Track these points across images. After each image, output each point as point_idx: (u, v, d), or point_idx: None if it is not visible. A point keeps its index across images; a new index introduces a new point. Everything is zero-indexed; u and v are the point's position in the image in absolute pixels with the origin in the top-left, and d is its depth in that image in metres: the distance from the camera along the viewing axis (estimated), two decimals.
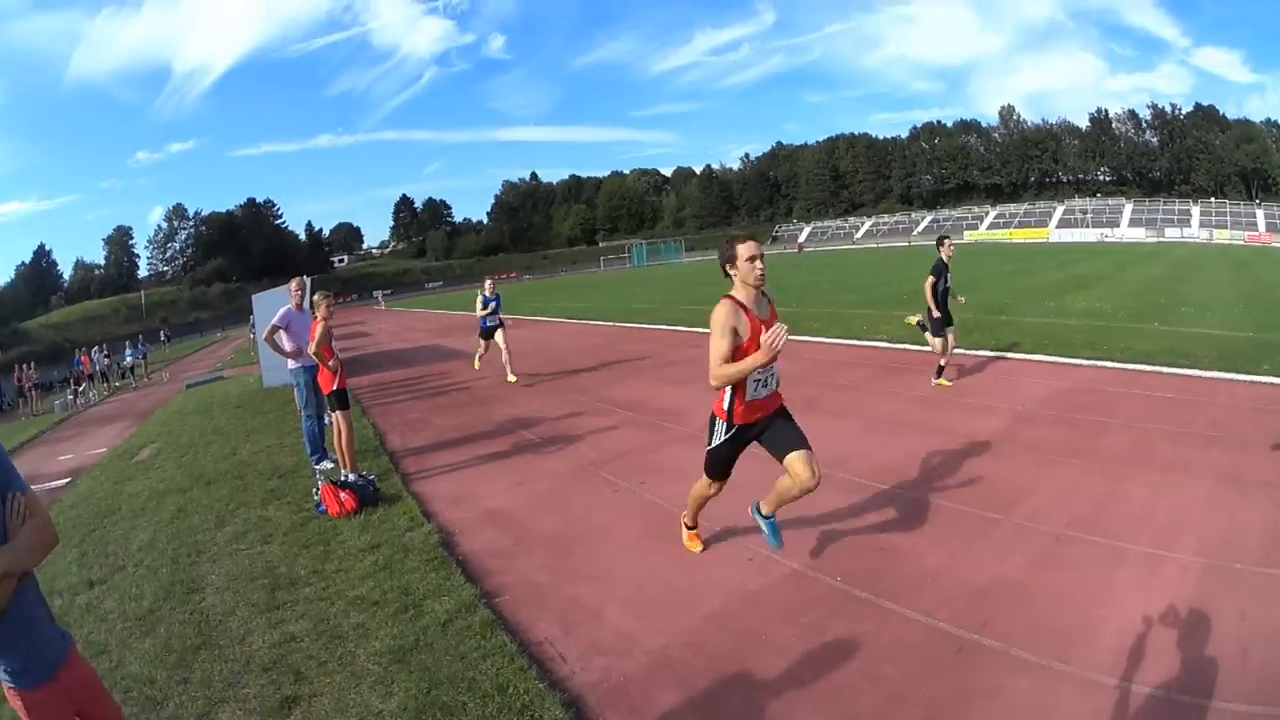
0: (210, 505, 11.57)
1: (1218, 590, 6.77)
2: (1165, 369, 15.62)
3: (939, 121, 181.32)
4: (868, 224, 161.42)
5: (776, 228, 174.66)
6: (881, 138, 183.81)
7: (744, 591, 7.28)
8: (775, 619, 6.72)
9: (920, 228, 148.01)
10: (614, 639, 6.61)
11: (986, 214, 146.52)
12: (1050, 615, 6.53)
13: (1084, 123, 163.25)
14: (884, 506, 9.26)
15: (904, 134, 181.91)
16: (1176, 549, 7.63)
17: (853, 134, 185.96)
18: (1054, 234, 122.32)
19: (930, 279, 15.25)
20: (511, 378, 20.37)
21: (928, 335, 15.70)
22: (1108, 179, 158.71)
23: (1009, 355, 18.14)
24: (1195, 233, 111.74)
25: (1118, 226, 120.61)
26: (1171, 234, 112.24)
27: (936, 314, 15.25)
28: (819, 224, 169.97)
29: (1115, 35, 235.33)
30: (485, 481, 11.59)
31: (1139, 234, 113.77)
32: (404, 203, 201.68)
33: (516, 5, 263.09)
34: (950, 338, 15.49)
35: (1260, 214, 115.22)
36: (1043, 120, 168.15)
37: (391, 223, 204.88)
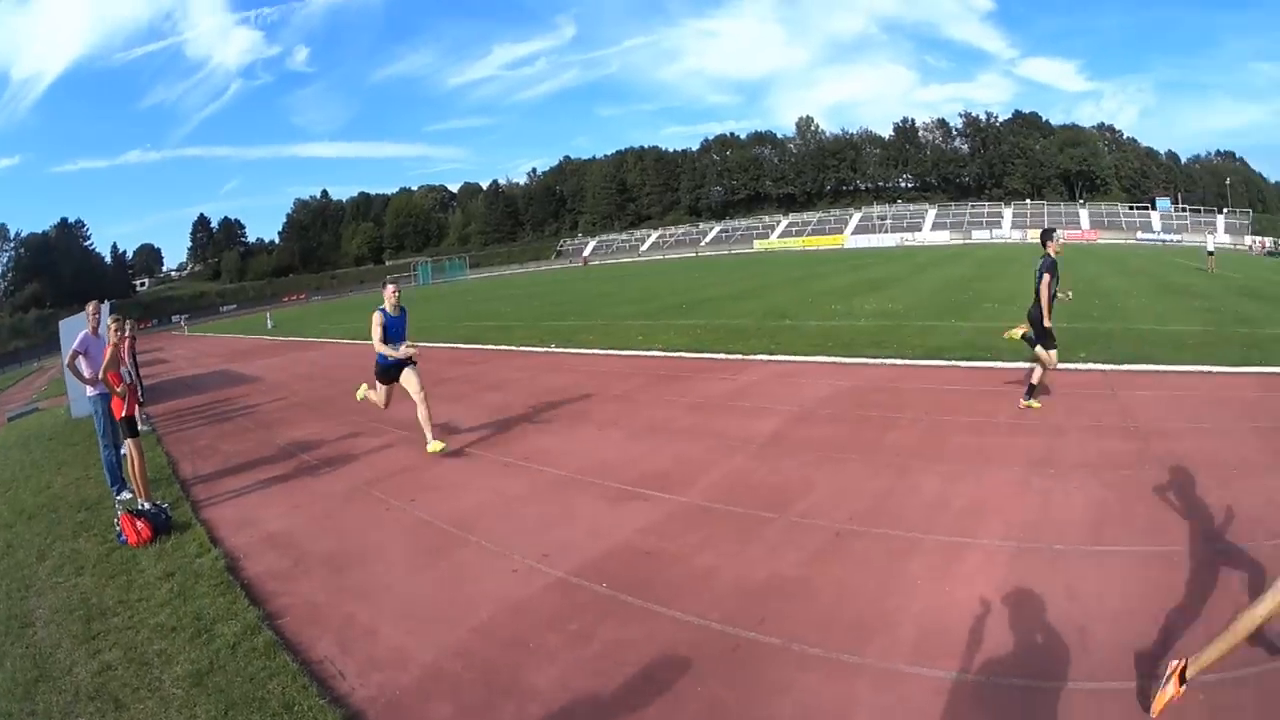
0: (32, 540, 11.40)
1: (1038, 572, 7.11)
2: (964, 363, 16.45)
3: (732, 134, 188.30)
4: (654, 236, 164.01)
5: (561, 242, 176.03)
6: (672, 150, 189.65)
7: (510, 601, 7.47)
8: (542, 627, 6.91)
9: (708, 238, 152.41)
10: (388, 654, 6.75)
11: (778, 223, 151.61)
12: (837, 610, 6.71)
13: (888, 132, 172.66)
14: (651, 513, 9.40)
15: (695, 146, 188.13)
16: (980, 535, 7.97)
17: (642, 147, 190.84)
18: (850, 240, 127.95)
19: (1046, 278, 13.15)
20: (435, 446, 12.99)
21: (1037, 349, 13.33)
22: (910, 185, 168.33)
23: (789, 359, 18.65)
24: (1006, 233, 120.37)
25: (920, 231, 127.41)
26: (980, 236, 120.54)
27: (1048, 322, 13.16)
28: (605, 237, 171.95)
29: (931, 48, 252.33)
30: (267, 505, 11.68)
31: (943, 237, 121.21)
32: (201, 223, 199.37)
33: (324, 16, 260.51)
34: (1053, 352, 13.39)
35: (1084, 213, 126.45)
36: (843, 130, 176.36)
37: (190, 244, 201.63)
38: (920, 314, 25.82)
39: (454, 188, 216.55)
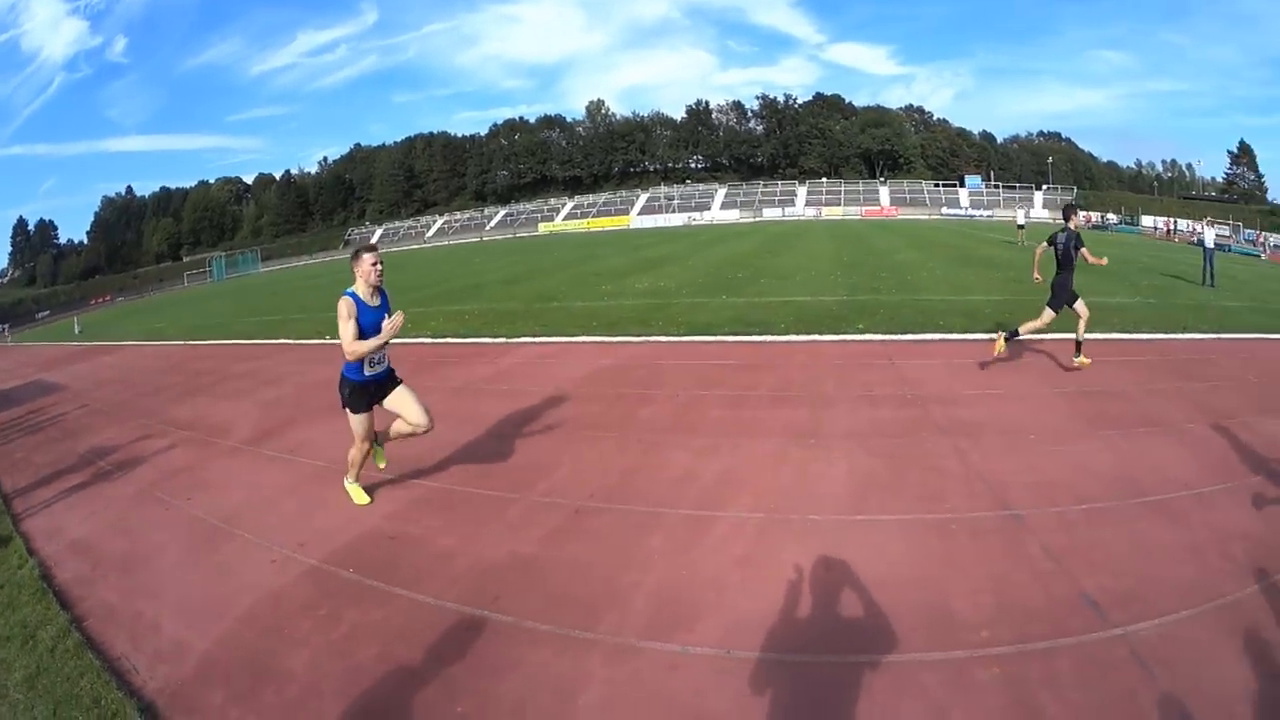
0: None
1: (789, 543, 7.36)
2: (730, 338, 16.75)
3: (522, 118, 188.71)
4: (439, 222, 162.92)
5: (349, 231, 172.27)
6: (461, 135, 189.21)
7: (269, 590, 7.66)
8: (296, 614, 7.12)
9: (493, 223, 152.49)
10: (171, 647, 6.93)
11: (563, 205, 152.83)
12: (570, 586, 6.88)
13: (680, 115, 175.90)
14: (399, 498, 9.59)
15: (484, 131, 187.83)
16: (728, 508, 8.16)
17: (432, 133, 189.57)
18: (635, 221, 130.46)
19: (1084, 250, 14.41)
20: (379, 464, 10.04)
21: (1045, 311, 14.41)
22: (701, 166, 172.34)
23: (553, 340, 18.81)
24: (800, 211, 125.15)
25: (708, 210, 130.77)
26: (771, 214, 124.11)
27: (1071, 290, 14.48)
28: (391, 225, 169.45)
29: (735, 33, 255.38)
30: (71, 513, 11.46)
31: (732, 216, 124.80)
32: (20, 226, 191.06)
33: (143, 4, 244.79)
34: (1065, 311, 14.55)
35: (884, 190, 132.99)
36: (634, 114, 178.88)
37: (10, 249, 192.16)
38: (691, 291, 26.51)
39: (250, 179, 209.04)
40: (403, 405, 9.25)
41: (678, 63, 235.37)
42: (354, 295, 8.78)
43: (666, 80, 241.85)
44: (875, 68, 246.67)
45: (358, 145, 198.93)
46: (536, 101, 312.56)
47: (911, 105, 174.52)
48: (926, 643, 5.82)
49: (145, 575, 8.61)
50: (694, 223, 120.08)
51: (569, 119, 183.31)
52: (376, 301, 8.96)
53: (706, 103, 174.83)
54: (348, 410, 9.09)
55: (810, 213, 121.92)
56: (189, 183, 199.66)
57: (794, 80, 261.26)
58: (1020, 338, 14.66)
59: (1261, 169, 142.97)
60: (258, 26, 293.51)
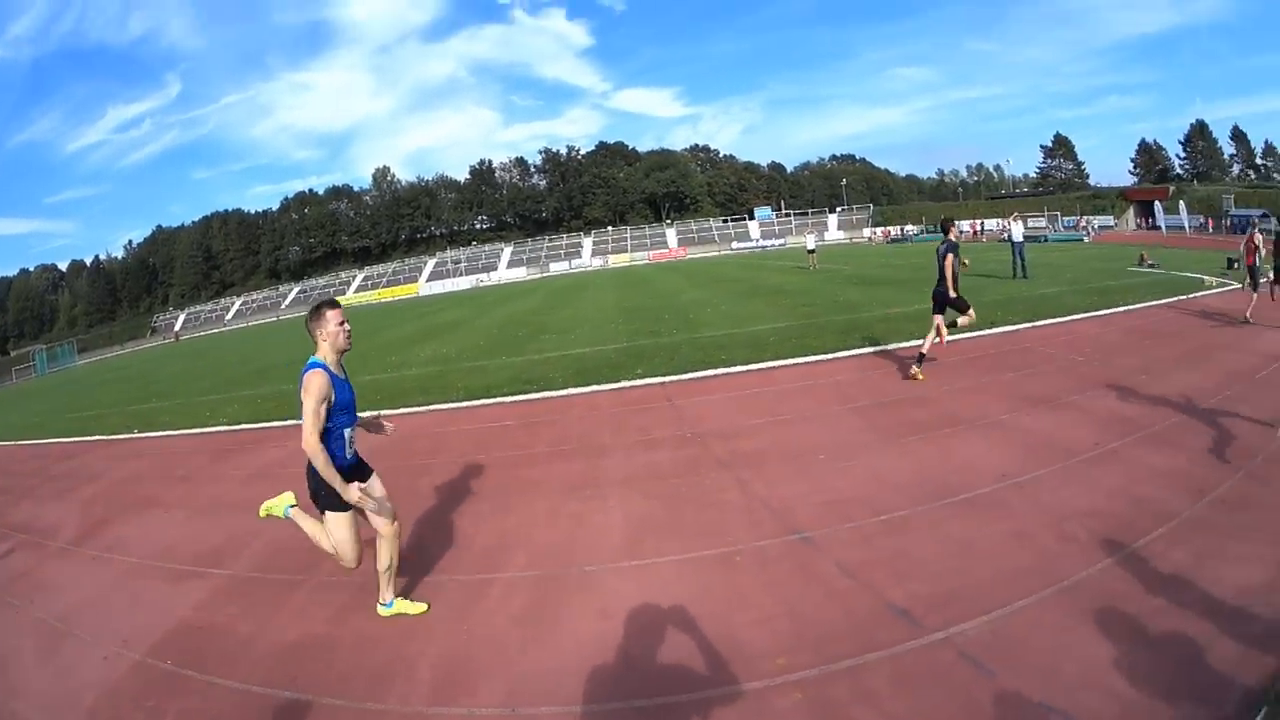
0: None
1: (563, 596, 7.40)
2: (509, 399, 16.64)
3: (311, 190, 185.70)
4: (237, 303, 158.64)
5: (155, 317, 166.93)
6: (254, 212, 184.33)
7: (106, 686, 7.41)
8: (129, 708, 6.93)
9: (288, 300, 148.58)
10: None
11: (354, 277, 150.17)
12: (359, 660, 6.81)
13: (464, 176, 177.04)
14: (202, 588, 9.29)
15: (276, 206, 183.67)
16: (504, 569, 8.21)
17: (227, 211, 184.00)
18: (424, 287, 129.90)
19: (950, 257, 15.58)
20: (391, 607, 7.66)
21: (961, 318, 15.55)
22: (486, 227, 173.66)
23: None
24: (587, 262, 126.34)
25: (495, 270, 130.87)
26: (558, 268, 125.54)
27: (954, 294, 15.56)
28: (193, 309, 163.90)
29: (520, 88, 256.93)
30: None
31: (519, 274, 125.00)
32: None
33: None
34: (941, 322, 15.72)
35: (671, 232, 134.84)
36: (419, 178, 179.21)
37: None
38: (473, 355, 26.49)
39: (65, 266, 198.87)
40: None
41: (462, 122, 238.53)
42: (323, 366, 6.94)
43: (451, 141, 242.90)
44: (661, 110, 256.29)
45: (159, 227, 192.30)
46: (326, 172, 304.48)
47: (697, 145, 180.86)
48: (719, 678, 5.82)
49: (8, 676, 8.30)
50: (482, 284, 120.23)
51: (356, 188, 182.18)
52: (343, 373, 7.27)
53: (490, 161, 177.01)
54: (327, 511, 7.18)
55: (597, 263, 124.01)
56: (11, 270, 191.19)
57: (578, 131, 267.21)
58: (927, 349, 15.42)
59: (1081, 157, 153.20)
60: (74, 100, 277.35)
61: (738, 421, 12.79)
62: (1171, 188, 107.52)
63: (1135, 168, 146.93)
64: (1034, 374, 15.09)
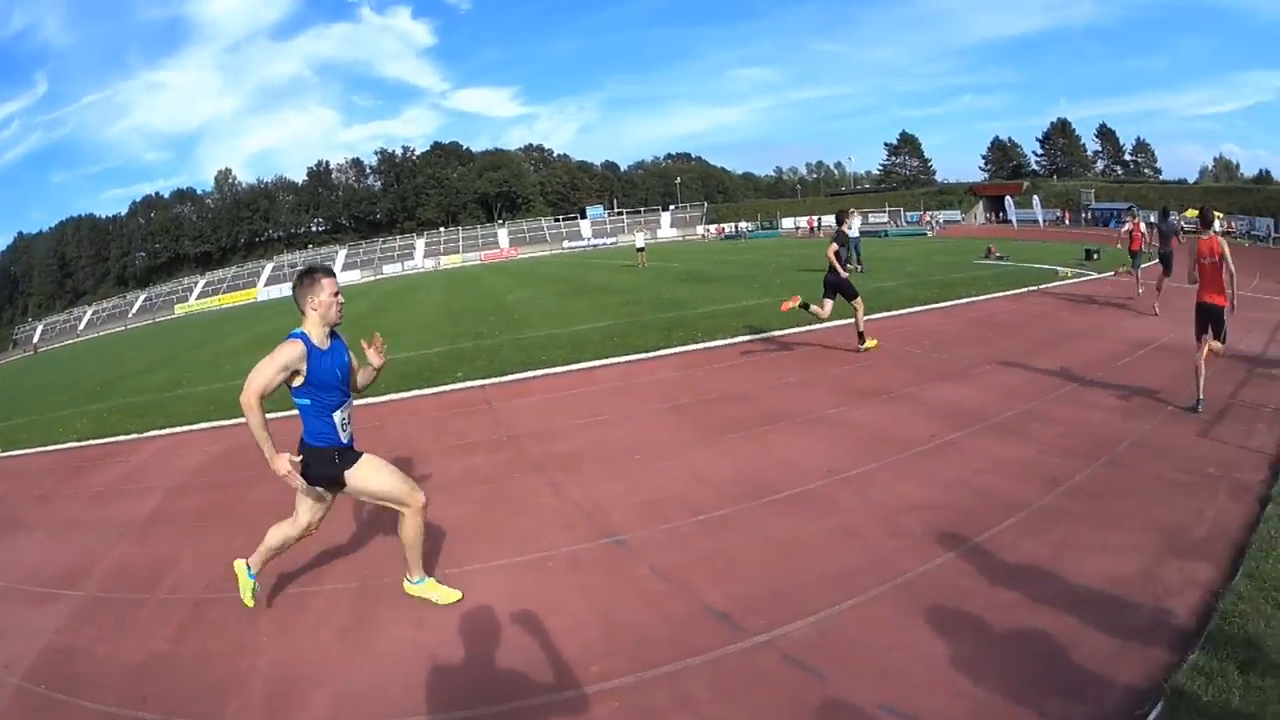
0: None
1: (380, 608, 7.39)
2: None
3: (158, 194, 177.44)
4: (89, 313, 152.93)
5: (16, 329, 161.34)
6: (105, 217, 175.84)
7: None
8: None
9: (135, 308, 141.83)
10: None
11: (196, 283, 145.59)
12: (198, 678, 6.71)
13: (302, 178, 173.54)
14: (62, 611, 8.96)
15: (125, 210, 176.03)
16: (325, 582, 8.21)
17: (80, 216, 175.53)
18: (263, 292, 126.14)
19: (834, 246, 17.10)
20: (447, 595, 7.62)
21: (855, 302, 17.02)
22: (322, 229, 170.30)
23: (178, 430, 17.94)
24: (419, 264, 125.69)
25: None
26: (391, 270, 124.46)
27: (845, 274, 17.02)
28: (50, 319, 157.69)
29: (361, 87, 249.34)
30: None
31: (354, 276, 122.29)
32: None
33: None
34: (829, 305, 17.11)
35: (503, 232, 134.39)
36: (258, 180, 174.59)
37: None
38: None
39: None
40: (368, 476, 7.04)
41: (304, 123, 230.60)
42: (304, 337, 6.71)
43: (292, 142, 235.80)
44: (498, 110, 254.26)
45: (20, 234, 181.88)
46: (173, 174, 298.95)
47: (532, 145, 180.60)
48: (533, 687, 5.84)
49: None
50: None
51: (200, 191, 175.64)
52: (328, 344, 6.93)
53: (327, 163, 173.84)
54: (309, 485, 6.91)
55: (429, 264, 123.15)
56: None
57: (415, 131, 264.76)
58: (862, 326, 17.15)
59: (929, 154, 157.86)
60: None
61: (555, 423, 12.98)
62: (1026, 183, 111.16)
63: (987, 164, 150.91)
64: (866, 367, 15.44)
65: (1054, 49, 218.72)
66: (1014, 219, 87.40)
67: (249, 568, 7.42)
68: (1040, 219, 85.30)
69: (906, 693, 5.44)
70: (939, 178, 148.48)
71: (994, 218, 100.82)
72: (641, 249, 55.60)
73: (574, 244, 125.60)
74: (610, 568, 7.60)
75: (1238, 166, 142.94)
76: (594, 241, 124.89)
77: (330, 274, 7.03)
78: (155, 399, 23.89)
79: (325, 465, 6.82)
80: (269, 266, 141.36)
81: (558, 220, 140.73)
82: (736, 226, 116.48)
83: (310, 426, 6.86)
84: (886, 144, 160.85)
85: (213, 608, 8.04)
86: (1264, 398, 13.35)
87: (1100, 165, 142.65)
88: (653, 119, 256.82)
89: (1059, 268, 32.48)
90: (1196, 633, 6.04)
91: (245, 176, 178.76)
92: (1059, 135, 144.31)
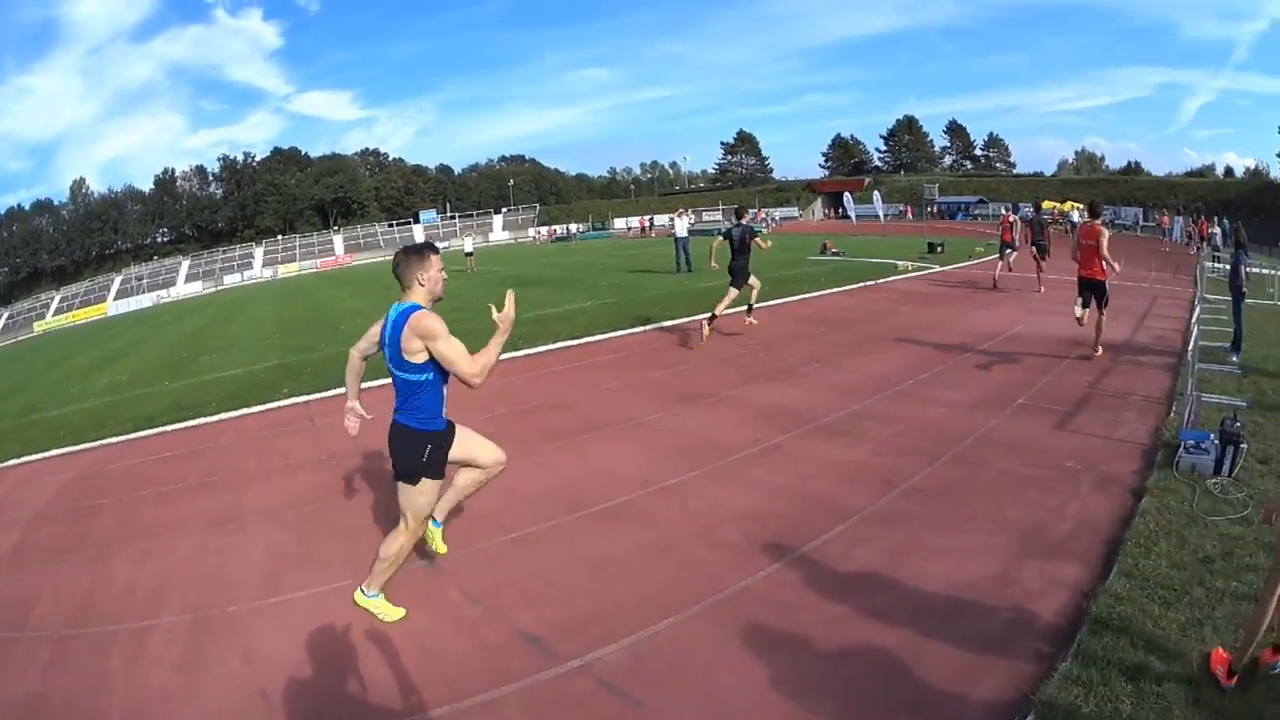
0: None
1: (214, 641, 7.07)
2: (170, 427, 15.85)
3: (19, 206, 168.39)
4: None
5: None
6: None
7: None
8: None
9: None
10: None
11: (52, 300, 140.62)
12: (66, 715, 6.45)
13: (149, 186, 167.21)
14: None
15: None
16: (164, 614, 7.77)
17: None
18: (112, 307, 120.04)
19: (719, 240, 19.34)
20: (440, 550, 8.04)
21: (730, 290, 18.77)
22: (166, 239, 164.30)
23: (30, 459, 16.61)
24: (258, 273, 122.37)
25: (174, 285, 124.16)
26: (231, 280, 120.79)
27: (713, 264, 19.22)
28: None
29: (209, 91, 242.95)
30: None
31: (196, 288, 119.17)
32: None
33: None
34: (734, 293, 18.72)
35: (338, 239, 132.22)
36: (109, 190, 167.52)
37: None
38: (145, 380, 25.01)
39: None
40: (472, 446, 7.33)
41: (153, 129, 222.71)
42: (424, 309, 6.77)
43: (141, 149, 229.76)
44: (338, 114, 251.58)
45: None
46: (34, 184, 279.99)
47: (368, 149, 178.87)
48: None
49: None
50: (163, 301, 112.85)
51: (57, 202, 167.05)
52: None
53: (173, 170, 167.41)
54: (424, 479, 6.84)
55: (268, 273, 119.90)
56: None
57: (258, 136, 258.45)
58: (718, 317, 18.17)
59: (767, 153, 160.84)
60: None
61: (371, 440, 11.61)
62: (868, 179, 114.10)
63: (828, 161, 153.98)
64: (689, 370, 15.43)
65: (907, 48, 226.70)
66: (853, 215, 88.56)
67: (366, 590, 7.04)
68: (881, 214, 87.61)
69: (730, 717, 5.31)
70: (778, 175, 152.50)
71: (833, 214, 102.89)
72: (470, 254, 55.97)
73: None
74: (425, 592, 7.39)
75: (1102, 159, 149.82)
76: None
77: (436, 250, 7.08)
78: (13, 425, 22.64)
79: (428, 446, 6.86)
80: (117, 280, 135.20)
81: (392, 226, 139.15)
82: (567, 228, 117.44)
83: (427, 406, 6.95)
84: (723, 143, 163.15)
85: (72, 644, 7.64)
86: (1131, 386, 13.60)
87: (948, 160, 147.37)
88: (489, 121, 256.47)
89: (899, 262, 33.31)
90: (1067, 638, 5.91)
91: (98, 186, 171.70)
92: (905, 132, 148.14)
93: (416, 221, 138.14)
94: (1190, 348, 13.11)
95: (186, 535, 9.73)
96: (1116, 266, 15.28)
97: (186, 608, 7.79)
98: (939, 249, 39.46)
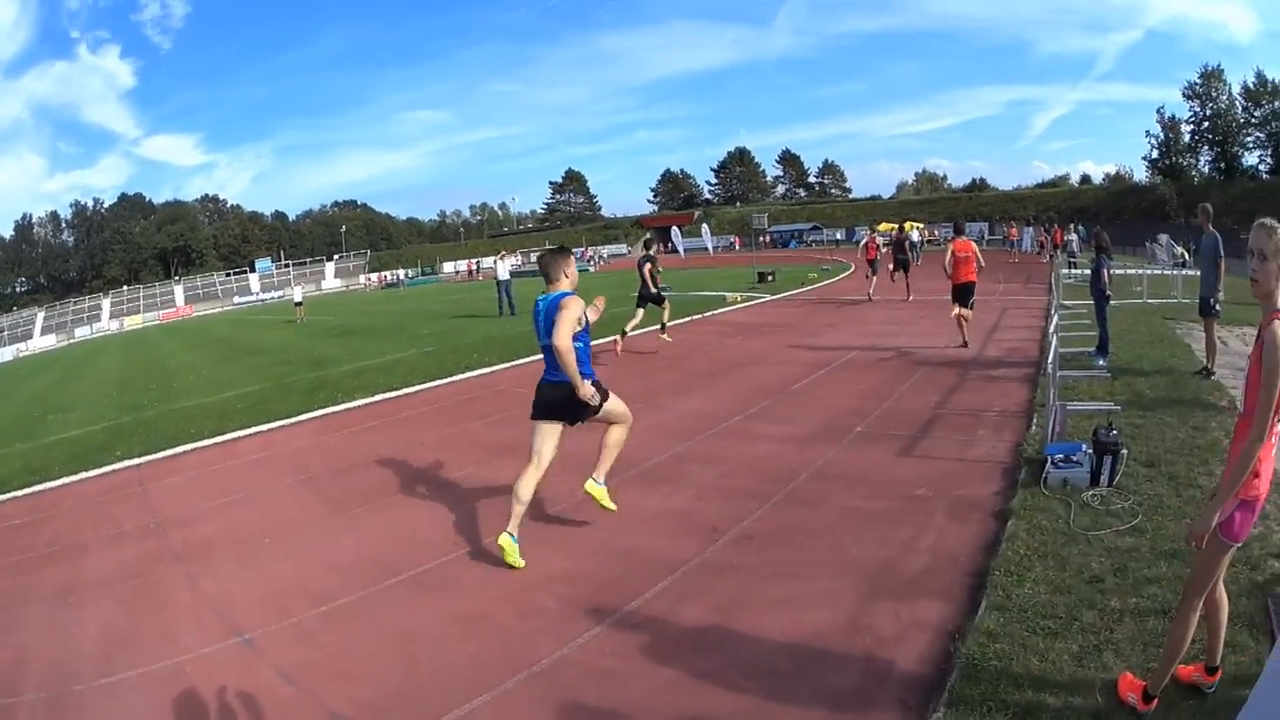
0: None
1: None
2: (20, 492, 15.00)
3: None
4: None
5: None
6: None
7: None
8: None
9: None
10: None
11: None
12: None
13: (9, 231, 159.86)
14: None
15: None
16: (22, 692, 7.31)
17: None
18: None
19: (648, 266, 22.27)
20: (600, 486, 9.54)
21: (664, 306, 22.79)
22: (25, 289, 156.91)
23: None
24: (106, 325, 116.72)
25: (32, 339, 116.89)
26: (82, 333, 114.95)
27: (654, 289, 22.31)
28: None
29: (67, 132, 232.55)
30: None
31: (51, 341, 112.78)
32: None
33: None
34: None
35: (179, 289, 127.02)
36: None
37: None
38: None
39: None
40: (608, 405, 8.83)
41: (18, 170, 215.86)
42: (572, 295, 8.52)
43: (5, 193, 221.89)
44: (182, 159, 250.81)
45: None
46: None
47: (207, 195, 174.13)
48: None
49: None
50: (21, 355, 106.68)
51: None
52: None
53: (31, 216, 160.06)
54: (606, 401, 8.74)
55: (115, 325, 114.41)
56: None
57: (107, 181, 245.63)
58: (630, 335, 21.31)
59: (595, 190, 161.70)
60: None
61: (195, 504, 12.06)
62: (698, 212, 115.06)
63: (657, 196, 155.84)
64: (505, 419, 15.02)
65: (740, 81, 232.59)
66: (681, 248, 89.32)
67: (511, 535, 8.39)
68: (710, 246, 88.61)
69: None
70: (606, 213, 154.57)
71: (663, 249, 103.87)
72: (299, 303, 55.17)
73: (244, 299, 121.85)
74: (240, 671, 6.88)
75: (944, 178, 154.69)
76: (263, 296, 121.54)
77: (571, 251, 9.65)
78: None
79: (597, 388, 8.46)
80: None
81: (229, 275, 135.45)
82: (395, 274, 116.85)
83: (583, 362, 8.35)
84: (552, 182, 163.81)
85: None
86: (984, 402, 13.60)
87: (781, 190, 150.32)
88: (323, 165, 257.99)
89: (728, 294, 33.58)
90: (936, 686, 5.53)
91: None
92: (736, 164, 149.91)
93: (252, 270, 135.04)
94: (1050, 357, 12.17)
95: (38, 607, 9.20)
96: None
97: (44, 686, 7.28)
98: (769, 278, 40.40)
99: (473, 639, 6.91)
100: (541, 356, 8.77)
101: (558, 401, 8.49)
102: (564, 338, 7.98)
